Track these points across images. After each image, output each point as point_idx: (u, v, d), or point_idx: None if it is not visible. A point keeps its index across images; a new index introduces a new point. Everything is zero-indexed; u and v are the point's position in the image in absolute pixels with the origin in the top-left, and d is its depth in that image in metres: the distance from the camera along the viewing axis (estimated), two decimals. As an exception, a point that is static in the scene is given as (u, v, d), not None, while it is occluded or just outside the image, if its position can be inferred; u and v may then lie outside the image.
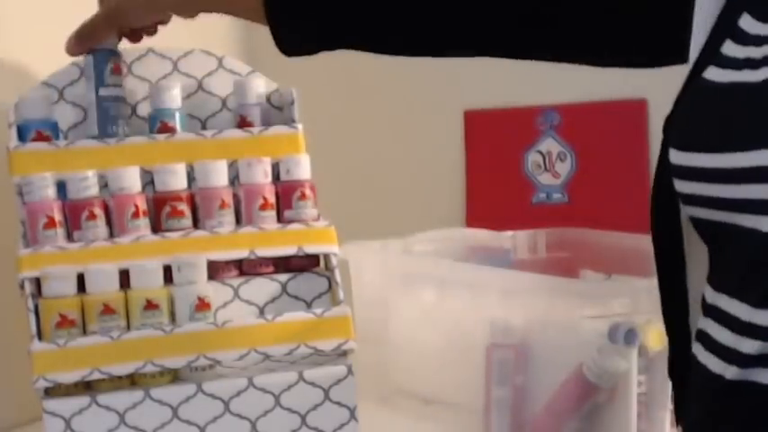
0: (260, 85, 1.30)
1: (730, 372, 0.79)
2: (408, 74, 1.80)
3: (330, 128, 1.79)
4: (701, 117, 0.82)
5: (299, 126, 1.28)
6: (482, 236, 1.60)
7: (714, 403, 0.81)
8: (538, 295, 1.30)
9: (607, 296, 1.26)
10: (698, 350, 0.83)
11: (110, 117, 1.25)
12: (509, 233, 1.58)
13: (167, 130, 1.26)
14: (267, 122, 1.29)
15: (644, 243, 1.52)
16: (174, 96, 1.26)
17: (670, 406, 1.20)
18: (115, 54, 1.26)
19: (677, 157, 0.82)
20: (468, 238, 1.60)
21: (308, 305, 1.24)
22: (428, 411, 1.41)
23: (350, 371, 1.19)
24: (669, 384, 1.19)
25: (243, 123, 1.29)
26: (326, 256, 1.25)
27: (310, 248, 1.24)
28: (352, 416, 1.19)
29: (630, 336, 1.17)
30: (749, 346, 0.78)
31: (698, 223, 0.83)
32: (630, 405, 1.19)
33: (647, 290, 1.26)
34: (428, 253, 1.55)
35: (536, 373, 1.27)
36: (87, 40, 1.24)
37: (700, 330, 0.84)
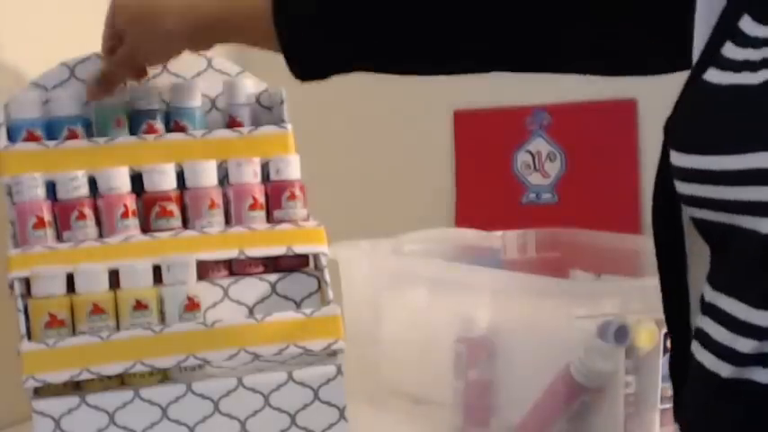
0: (249, 86, 1.30)
1: (726, 370, 0.79)
2: (398, 74, 1.80)
3: (319, 128, 1.79)
4: (700, 119, 0.82)
5: (289, 126, 1.29)
6: (471, 236, 1.60)
7: (709, 401, 0.82)
8: (527, 295, 1.30)
9: (597, 296, 1.26)
10: (696, 348, 0.84)
11: None
12: (498, 233, 1.58)
13: (180, 129, 1.26)
14: (256, 122, 1.29)
15: (633, 243, 1.54)
16: (192, 96, 1.28)
17: (661, 406, 1.20)
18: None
19: (678, 158, 0.82)
20: (457, 238, 1.60)
21: (298, 305, 1.24)
22: (418, 411, 1.41)
23: (339, 371, 1.20)
24: (659, 385, 1.20)
25: (232, 123, 1.29)
26: (316, 256, 1.25)
27: (300, 248, 1.24)
28: (342, 416, 1.20)
29: (621, 333, 1.17)
30: (745, 345, 0.78)
31: (699, 224, 0.83)
32: (618, 405, 1.19)
33: (636, 290, 1.26)
34: (418, 253, 1.55)
35: (524, 373, 1.27)
36: (108, 84, 1.24)
37: (698, 328, 0.84)
